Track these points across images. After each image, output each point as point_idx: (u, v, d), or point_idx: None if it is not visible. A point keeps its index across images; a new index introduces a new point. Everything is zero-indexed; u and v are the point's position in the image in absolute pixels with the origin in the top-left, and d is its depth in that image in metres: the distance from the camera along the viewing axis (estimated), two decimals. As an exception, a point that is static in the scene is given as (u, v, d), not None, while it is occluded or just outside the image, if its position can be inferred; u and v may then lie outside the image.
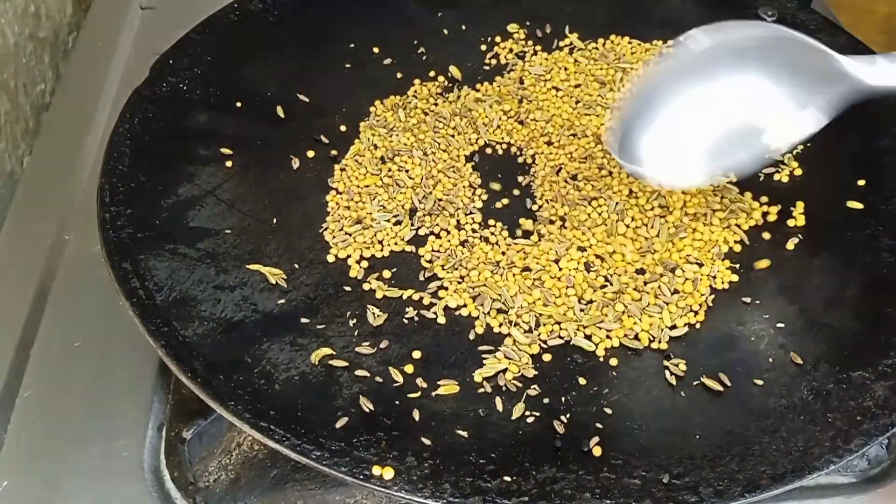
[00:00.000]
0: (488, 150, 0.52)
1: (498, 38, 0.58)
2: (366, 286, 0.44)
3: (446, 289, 0.44)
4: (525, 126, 0.53)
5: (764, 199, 0.48)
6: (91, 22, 0.68)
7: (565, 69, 0.56)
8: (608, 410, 0.39)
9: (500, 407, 0.39)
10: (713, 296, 0.44)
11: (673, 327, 0.42)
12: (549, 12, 0.59)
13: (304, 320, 0.42)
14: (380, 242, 0.46)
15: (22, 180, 0.57)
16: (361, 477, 0.35)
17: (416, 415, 0.38)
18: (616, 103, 0.38)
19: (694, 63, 0.38)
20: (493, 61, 0.57)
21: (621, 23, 0.58)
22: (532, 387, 0.40)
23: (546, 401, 0.39)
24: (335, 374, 0.40)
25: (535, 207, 0.48)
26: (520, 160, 0.51)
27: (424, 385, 0.40)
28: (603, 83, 0.55)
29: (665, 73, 0.38)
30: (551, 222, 0.47)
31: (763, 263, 0.45)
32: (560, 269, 0.45)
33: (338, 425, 0.37)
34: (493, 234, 0.47)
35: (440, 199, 0.48)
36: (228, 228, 0.46)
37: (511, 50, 0.57)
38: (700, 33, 0.37)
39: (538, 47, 0.57)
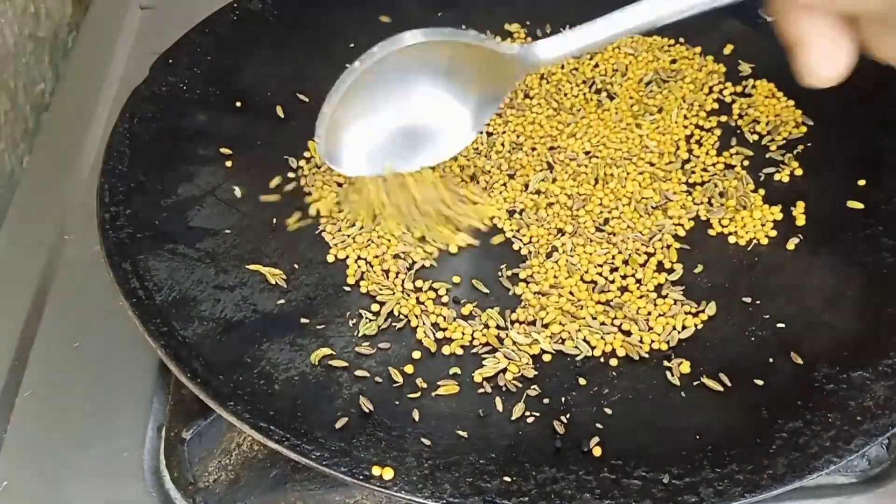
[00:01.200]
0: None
1: (498, 39, 0.58)
2: (363, 287, 0.44)
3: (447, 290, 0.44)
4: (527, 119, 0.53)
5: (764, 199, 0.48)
6: (91, 22, 0.68)
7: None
8: (608, 410, 0.39)
9: (500, 407, 0.39)
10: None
11: (678, 328, 0.42)
12: (549, 12, 0.59)
13: (303, 320, 0.42)
14: (377, 243, 0.46)
15: (22, 180, 0.57)
16: (361, 477, 0.35)
17: (416, 415, 0.38)
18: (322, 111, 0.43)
19: (372, 72, 0.41)
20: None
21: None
22: (532, 387, 0.40)
23: (546, 401, 0.39)
24: (335, 375, 0.40)
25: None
26: (521, 155, 0.51)
27: (424, 385, 0.40)
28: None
29: (352, 83, 0.42)
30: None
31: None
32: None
33: (337, 425, 0.37)
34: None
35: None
36: (228, 228, 0.46)
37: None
38: (375, 47, 0.41)
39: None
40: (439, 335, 0.42)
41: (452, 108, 0.44)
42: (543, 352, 0.41)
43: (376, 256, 0.45)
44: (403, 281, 0.44)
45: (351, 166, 0.44)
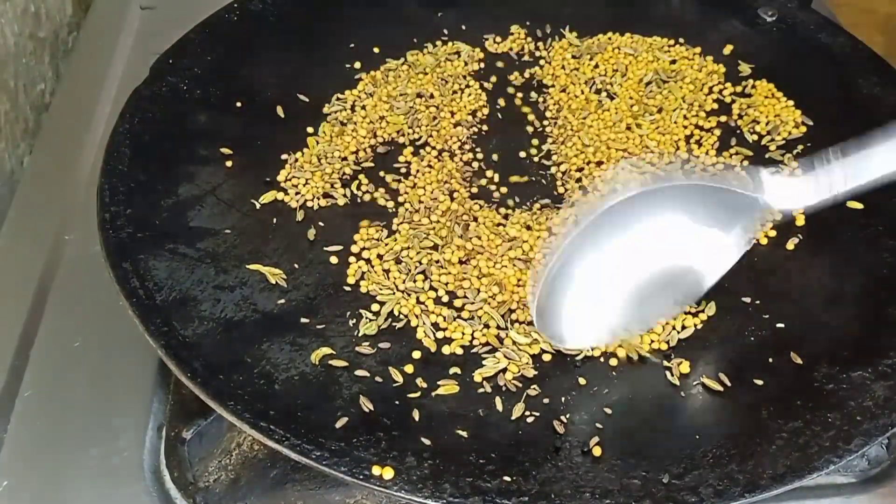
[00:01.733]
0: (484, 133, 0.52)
1: (498, 38, 0.58)
2: (363, 287, 0.44)
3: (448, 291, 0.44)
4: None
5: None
6: (91, 22, 0.68)
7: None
8: (608, 410, 0.39)
9: (500, 407, 0.39)
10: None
11: (678, 328, 0.42)
12: (549, 12, 0.59)
13: (304, 320, 0.42)
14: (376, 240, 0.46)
15: (22, 180, 0.57)
16: (361, 477, 0.35)
17: (416, 415, 0.38)
18: (537, 272, 0.39)
19: (607, 218, 0.37)
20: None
21: (621, 22, 0.58)
22: (532, 387, 0.40)
23: (546, 401, 0.39)
24: (335, 374, 0.40)
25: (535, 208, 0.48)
26: (523, 154, 0.51)
27: (424, 385, 0.40)
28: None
29: (581, 234, 0.37)
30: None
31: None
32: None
33: (338, 425, 0.37)
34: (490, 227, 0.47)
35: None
36: (228, 228, 0.46)
37: (512, 49, 0.57)
38: (607, 186, 0.38)
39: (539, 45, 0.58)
40: (439, 335, 0.42)
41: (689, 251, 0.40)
42: (543, 352, 0.41)
43: (379, 256, 0.45)
44: (404, 280, 0.44)
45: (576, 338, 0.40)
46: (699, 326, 0.42)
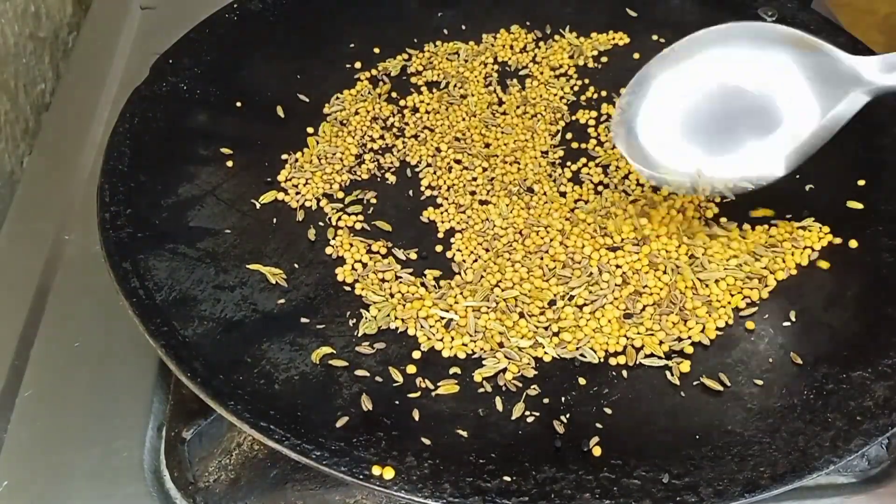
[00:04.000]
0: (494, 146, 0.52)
1: (498, 38, 0.58)
2: (359, 289, 0.44)
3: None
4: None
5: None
6: (91, 22, 0.68)
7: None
8: (608, 410, 0.39)
9: (500, 407, 0.39)
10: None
11: (679, 339, 0.42)
12: (549, 12, 0.59)
13: (304, 320, 0.42)
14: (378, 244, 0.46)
15: (22, 180, 0.57)
16: (361, 477, 0.35)
17: (416, 415, 0.38)
18: (624, 92, 0.37)
19: (710, 39, 0.37)
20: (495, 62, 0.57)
21: (621, 22, 0.58)
22: (532, 387, 0.40)
23: (546, 401, 0.39)
24: (335, 374, 0.40)
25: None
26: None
27: (424, 385, 0.40)
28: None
29: (673, 57, 0.37)
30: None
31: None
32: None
33: (338, 425, 0.37)
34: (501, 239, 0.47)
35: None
36: (228, 228, 0.46)
37: (512, 47, 0.57)
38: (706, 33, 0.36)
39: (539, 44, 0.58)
40: (439, 335, 0.42)
41: (776, 109, 0.38)
42: (545, 352, 0.41)
43: (371, 252, 0.45)
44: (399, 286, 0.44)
45: (658, 163, 0.39)
46: (700, 340, 0.42)
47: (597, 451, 0.37)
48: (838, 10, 0.68)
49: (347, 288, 0.44)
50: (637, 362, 0.41)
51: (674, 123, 0.38)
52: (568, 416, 0.39)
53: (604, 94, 0.55)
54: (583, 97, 0.55)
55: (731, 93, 0.38)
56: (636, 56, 0.56)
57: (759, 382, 0.40)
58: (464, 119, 0.53)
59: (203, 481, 0.42)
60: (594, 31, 0.58)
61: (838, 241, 0.45)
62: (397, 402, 0.39)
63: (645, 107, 0.37)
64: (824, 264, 0.45)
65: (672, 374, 0.41)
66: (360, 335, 0.42)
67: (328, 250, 0.46)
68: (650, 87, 0.37)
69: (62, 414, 0.44)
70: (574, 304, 0.43)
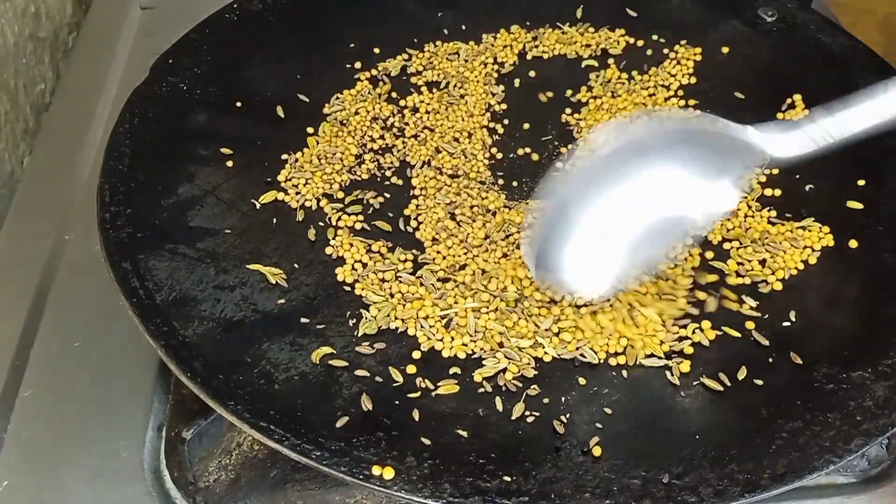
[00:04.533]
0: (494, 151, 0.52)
1: (498, 38, 0.58)
2: (359, 289, 0.44)
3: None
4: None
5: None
6: (91, 22, 0.68)
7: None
8: (608, 410, 0.39)
9: (500, 407, 0.39)
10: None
11: (679, 339, 0.42)
12: (549, 12, 0.59)
13: (304, 320, 0.42)
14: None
15: (22, 180, 0.57)
16: (361, 477, 0.35)
17: (416, 415, 0.38)
18: (530, 217, 0.39)
19: (602, 166, 0.38)
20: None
21: (621, 22, 0.58)
22: (532, 387, 0.40)
23: (546, 401, 0.39)
24: (335, 374, 0.40)
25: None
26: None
27: (424, 385, 0.40)
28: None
29: (576, 180, 0.38)
30: None
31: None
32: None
33: (338, 425, 0.37)
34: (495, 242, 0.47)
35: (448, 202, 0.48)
36: (228, 228, 0.46)
37: (511, 47, 0.57)
38: (601, 136, 0.37)
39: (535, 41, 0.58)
40: (439, 335, 0.42)
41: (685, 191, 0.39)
42: (545, 353, 0.41)
43: (371, 252, 0.45)
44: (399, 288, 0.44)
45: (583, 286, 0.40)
46: (701, 341, 0.42)
47: (597, 451, 0.37)
48: (838, 10, 0.68)
49: (347, 288, 0.44)
50: (637, 362, 0.41)
51: (590, 238, 0.39)
52: (568, 416, 0.39)
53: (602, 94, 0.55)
54: (580, 97, 0.55)
55: (638, 207, 0.39)
56: (639, 56, 0.56)
57: (759, 382, 0.40)
58: (463, 119, 0.53)
59: (203, 481, 0.42)
60: (593, 29, 0.58)
61: (838, 241, 0.45)
62: (397, 402, 0.39)
63: (562, 226, 0.39)
64: (824, 264, 0.45)
65: (672, 374, 0.41)
66: (360, 335, 0.42)
67: (328, 250, 0.46)
68: (566, 208, 0.38)
69: (62, 414, 0.44)
70: (574, 304, 0.43)
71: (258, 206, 0.47)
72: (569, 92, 0.55)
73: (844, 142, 0.39)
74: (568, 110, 0.54)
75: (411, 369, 0.40)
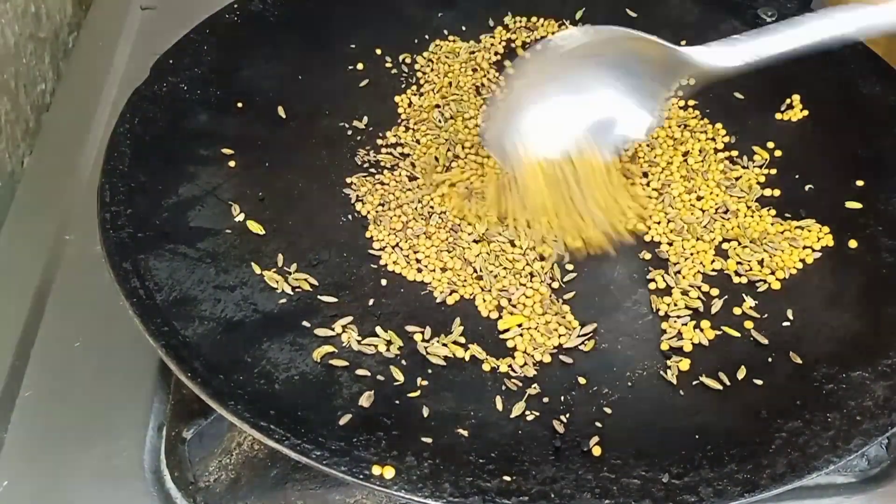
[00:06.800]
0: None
1: (496, 35, 0.58)
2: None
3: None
4: None
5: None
6: (91, 22, 0.68)
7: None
8: (608, 410, 0.39)
9: (499, 406, 0.39)
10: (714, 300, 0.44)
11: (679, 338, 0.42)
12: (548, 12, 0.59)
13: (304, 322, 0.42)
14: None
15: (22, 180, 0.57)
16: (361, 476, 0.35)
17: (416, 414, 0.38)
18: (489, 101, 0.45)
19: (554, 64, 0.43)
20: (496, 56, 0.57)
21: (620, 22, 0.58)
22: (532, 386, 0.40)
23: (546, 400, 0.40)
24: (335, 374, 0.40)
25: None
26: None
27: (425, 384, 0.40)
28: None
29: (531, 73, 0.43)
30: None
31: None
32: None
33: (338, 425, 0.37)
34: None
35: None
36: (228, 228, 0.46)
37: (509, 41, 0.58)
38: (558, 38, 0.43)
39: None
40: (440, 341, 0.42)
41: (622, 100, 0.45)
42: (548, 352, 0.42)
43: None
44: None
45: (519, 155, 0.45)
46: (700, 340, 0.42)
47: (597, 451, 0.37)
48: (838, 10, 0.68)
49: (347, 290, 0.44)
50: (637, 361, 0.41)
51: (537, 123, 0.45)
52: (568, 415, 0.39)
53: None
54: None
55: (584, 100, 0.45)
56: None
57: (759, 382, 0.40)
58: (463, 119, 0.53)
59: (203, 481, 0.42)
60: (594, 31, 0.58)
61: (838, 241, 0.46)
62: (397, 402, 0.39)
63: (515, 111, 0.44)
64: (824, 264, 0.45)
65: (672, 374, 0.41)
66: (360, 334, 0.42)
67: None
68: (519, 96, 0.44)
69: (62, 414, 0.44)
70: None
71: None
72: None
73: (769, 62, 0.43)
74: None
75: (412, 368, 0.40)
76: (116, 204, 0.45)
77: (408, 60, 0.56)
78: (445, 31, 0.58)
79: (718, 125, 0.53)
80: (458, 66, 0.56)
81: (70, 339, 0.47)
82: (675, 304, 0.43)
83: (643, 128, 0.46)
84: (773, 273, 0.45)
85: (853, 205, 0.47)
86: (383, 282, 0.45)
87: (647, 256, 0.46)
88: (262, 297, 0.43)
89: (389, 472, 0.35)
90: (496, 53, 0.57)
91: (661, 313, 0.43)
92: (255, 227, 0.46)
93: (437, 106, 0.54)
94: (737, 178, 0.49)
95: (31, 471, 0.42)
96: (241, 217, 0.46)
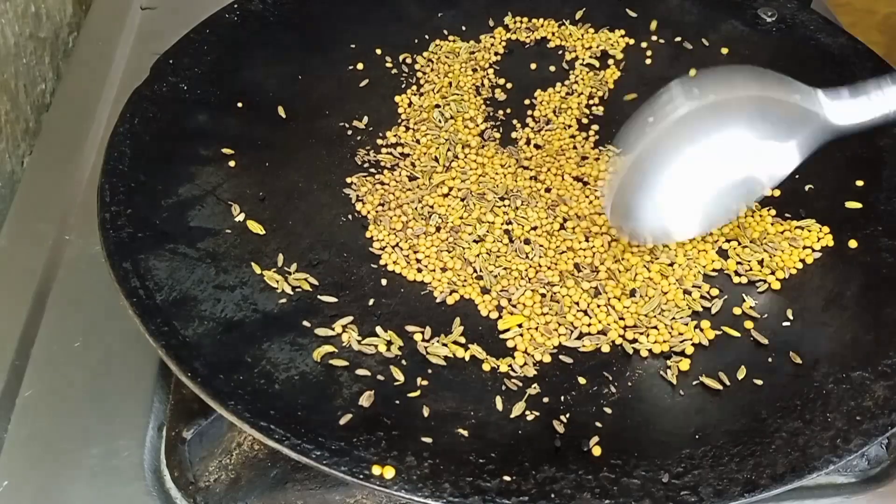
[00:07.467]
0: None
1: (496, 35, 0.58)
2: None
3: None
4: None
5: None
6: (91, 22, 0.68)
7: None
8: (608, 410, 0.39)
9: (499, 406, 0.39)
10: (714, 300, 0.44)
11: (681, 339, 0.42)
12: (548, 12, 0.59)
13: (304, 322, 0.42)
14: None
15: (22, 180, 0.57)
16: (361, 476, 0.35)
17: (416, 414, 0.38)
18: (609, 177, 0.43)
19: (678, 129, 0.40)
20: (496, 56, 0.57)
21: (620, 22, 0.58)
22: (532, 386, 0.40)
23: (546, 400, 0.40)
24: (335, 374, 0.40)
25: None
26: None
27: (425, 383, 0.40)
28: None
29: (653, 144, 0.40)
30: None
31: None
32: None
33: (338, 424, 0.37)
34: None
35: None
36: (228, 228, 0.46)
37: (509, 41, 0.58)
38: (680, 95, 0.40)
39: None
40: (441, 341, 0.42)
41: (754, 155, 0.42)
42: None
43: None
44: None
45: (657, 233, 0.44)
46: (700, 340, 0.42)
47: (597, 451, 0.37)
48: (838, 10, 0.68)
49: (347, 290, 0.44)
50: (637, 361, 0.41)
51: (665, 195, 0.42)
52: (568, 415, 0.39)
53: (600, 94, 0.55)
54: (577, 99, 0.55)
55: (714, 159, 0.42)
56: (639, 57, 0.56)
57: (759, 382, 0.40)
58: (462, 119, 0.53)
59: (203, 481, 0.42)
60: (593, 30, 0.58)
61: (838, 241, 0.46)
62: (398, 402, 0.39)
63: (639, 185, 0.42)
64: (824, 264, 0.45)
65: (671, 374, 0.41)
66: (360, 334, 0.42)
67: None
68: (642, 169, 0.41)
69: (62, 414, 0.44)
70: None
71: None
72: (563, 91, 0.55)
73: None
74: (564, 106, 0.54)
75: (412, 368, 0.40)
76: (116, 204, 0.45)
77: (408, 60, 0.57)
78: (445, 31, 0.58)
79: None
80: (458, 66, 0.56)
81: (70, 339, 0.47)
82: (676, 305, 0.43)
83: (776, 176, 0.43)
84: (773, 273, 0.45)
85: (853, 205, 0.47)
86: (383, 282, 0.45)
87: (648, 257, 0.46)
88: (262, 297, 0.43)
89: (389, 472, 0.35)
90: (496, 53, 0.57)
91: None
92: (255, 227, 0.46)
93: (437, 106, 0.54)
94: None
95: (31, 471, 0.42)
96: (241, 217, 0.46)
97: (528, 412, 0.39)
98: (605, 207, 0.43)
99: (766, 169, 0.43)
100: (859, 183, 0.48)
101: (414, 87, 0.55)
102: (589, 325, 0.43)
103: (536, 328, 0.43)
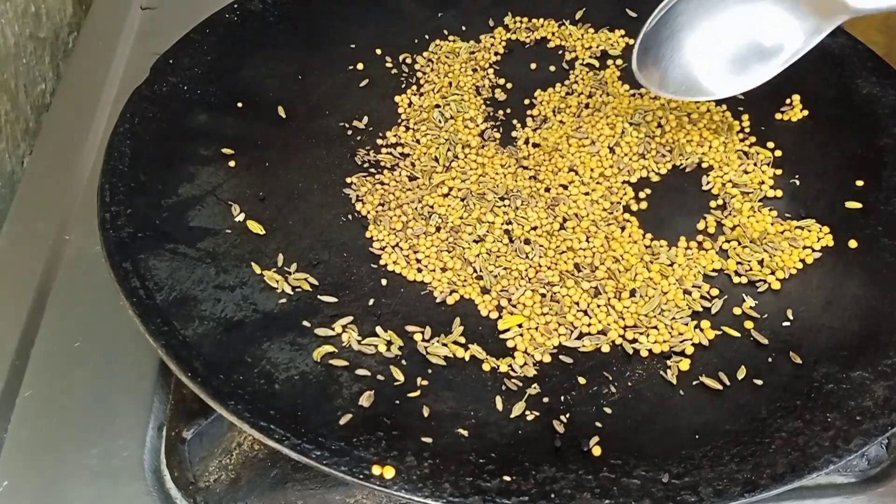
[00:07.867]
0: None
1: (496, 35, 0.58)
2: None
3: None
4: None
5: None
6: (91, 22, 0.68)
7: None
8: (608, 410, 0.39)
9: (499, 406, 0.39)
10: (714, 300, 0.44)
11: (681, 339, 0.42)
12: (548, 12, 0.59)
13: (304, 322, 0.42)
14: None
15: (22, 180, 0.57)
16: (361, 476, 0.35)
17: (416, 414, 0.38)
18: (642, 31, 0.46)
19: None
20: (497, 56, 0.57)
21: (620, 22, 0.58)
22: (532, 386, 0.40)
23: (546, 400, 0.40)
24: (335, 374, 0.40)
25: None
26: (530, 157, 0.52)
27: (425, 383, 0.40)
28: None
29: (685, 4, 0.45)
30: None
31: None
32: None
33: (338, 424, 0.37)
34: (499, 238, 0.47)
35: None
36: (228, 228, 0.46)
37: (509, 41, 0.58)
38: None
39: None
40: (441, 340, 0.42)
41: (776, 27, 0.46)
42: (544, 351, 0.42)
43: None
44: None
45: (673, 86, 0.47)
46: (700, 340, 0.42)
47: (597, 451, 0.37)
48: (838, 10, 0.68)
49: (347, 290, 0.44)
50: (637, 361, 0.41)
51: (693, 53, 0.47)
52: (568, 415, 0.39)
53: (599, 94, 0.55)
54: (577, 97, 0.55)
55: (733, 25, 0.46)
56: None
57: (759, 382, 0.40)
58: (463, 119, 0.53)
59: (203, 481, 0.42)
60: (593, 30, 0.58)
61: (838, 241, 0.46)
62: (398, 402, 0.39)
63: (669, 38, 0.46)
64: (824, 264, 0.45)
65: (671, 374, 0.41)
66: (361, 334, 0.42)
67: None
68: (673, 22, 0.46)
69: (62, 414, 0.44)
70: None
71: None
72: (563, 90, 0.55)
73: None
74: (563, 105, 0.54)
75: (412, 368, 0.40)
76: (116, 204, 0.45)
77: (408, 60, 0.57)
78: (445, 31, 0.58)
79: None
80: (458, 66, 0.56)
81: (70, 339, 0.47)
82: (676, 305, 0.43)
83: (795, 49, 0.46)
84: (773, 273, 0.45)
85: (853, 205, 0.47)
86: (383, 282, 0.45)
87: (648, 257, 0.46)
88: (262, 297, 0.43)
89: (389, 472, 0.35)
90: (496, 53, 0.57)
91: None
92: (255, 227, 0.46)
93: (437, 106, 0.54)
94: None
95: (31, 471, 0.42)
96: (241, 217, 0.46)
97: (528, 412, 0.39)
98: (633, 56, 0.46)
99: (789, 40, 0.45)
100: (859, 183, 0.48)
101: (414, 87, 0.55)
102: (589, 325, 0.43)
103: (536, 328, 0.43)
